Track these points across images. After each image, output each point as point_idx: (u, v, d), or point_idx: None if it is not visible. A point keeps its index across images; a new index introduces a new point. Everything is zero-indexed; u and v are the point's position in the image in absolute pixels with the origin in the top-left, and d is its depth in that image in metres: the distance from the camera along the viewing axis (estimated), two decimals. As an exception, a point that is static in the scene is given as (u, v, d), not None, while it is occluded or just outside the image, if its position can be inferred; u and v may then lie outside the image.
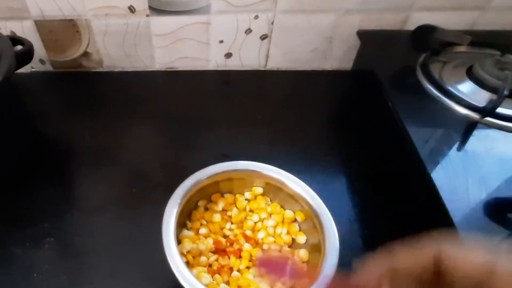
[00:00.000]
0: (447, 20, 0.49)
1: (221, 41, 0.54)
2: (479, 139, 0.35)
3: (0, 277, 0.33)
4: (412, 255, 0.15)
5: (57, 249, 0.35)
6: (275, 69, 0.58)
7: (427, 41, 0.44)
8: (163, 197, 0.32)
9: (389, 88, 0.42)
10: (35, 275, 0.33)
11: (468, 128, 0.36)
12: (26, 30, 0.53)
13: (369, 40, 0.50)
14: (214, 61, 0.57)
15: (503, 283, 0.13)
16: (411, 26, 0.49)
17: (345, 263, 0.28)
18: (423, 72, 0.42)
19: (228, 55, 0.56)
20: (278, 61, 0.57)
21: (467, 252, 0.14)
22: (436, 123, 0.38)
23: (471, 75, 0.40)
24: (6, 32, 0.53)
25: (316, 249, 0.31)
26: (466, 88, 0.39)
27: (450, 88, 0.39)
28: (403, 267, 0.15)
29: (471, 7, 0.49)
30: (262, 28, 0.52)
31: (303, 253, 0.32)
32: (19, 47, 0.43)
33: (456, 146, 0.35)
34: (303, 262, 0.32)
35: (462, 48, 0.45)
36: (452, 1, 0.48)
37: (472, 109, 0.37)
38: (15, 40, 0.44)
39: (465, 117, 0.37)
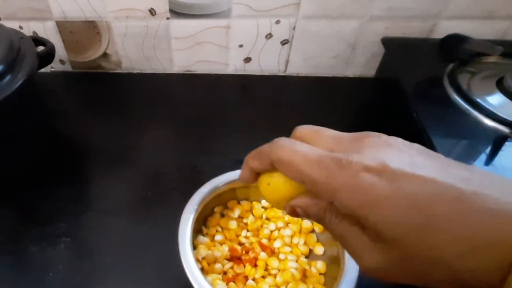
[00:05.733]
0: (477, 29, 0.49)
1: (241, 46, 0.56)
2: (509, 154, 0.35)
3: (17, 275, 0.35)
4: (258, 162, 0.22)
5: (73, 249, 0.36)
6: (295, 74, 0.59)
7: (455, 51, 0.44)
8: (179, 202, 0.33)
9: (414, 98, 0.42)
10: (50, 274, 0.35)
11: (497, 142, 0.36)
12: (47, 30, 0.56)
13: (394, 47, 0.51)
14: (232, 65, 0.59)
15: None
16: (439, 34, 0.50)
17: (364, 279, 0.28)
18: (451, 82, 0.43)
19: (247, 60, 0.58)
20: (298, 67, 0.58)
21: (286, 162, 0.20)
22: (463, 136, 0.38)
23: (501, 87, 0.41)
24: (28, 32, 0.56)
25: (335, 261, 0.31)
26: (495, 101, 0.40)
27: (478, 100, 0.39)
28: (256, 169, 0.23)
29: (502, 16, 0.49)
30: (283, 33, 0.54)
31: (320, 265, 0.32)
32: (41, 48, 0.46)
33: (483, 160, 0.35)
34: (320, 274, 0.32)
35: (492, 59, 0.45)
36: (482, 9, 0.48)
37: (502, 123, 0.37)
38: (37, 41, 0.46)
39: (494, 130, 0.37)
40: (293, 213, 0.22)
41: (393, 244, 0.17)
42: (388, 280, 0.18)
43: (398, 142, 0.18)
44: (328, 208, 0.20)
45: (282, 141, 0.21)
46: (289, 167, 0.20)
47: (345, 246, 0.19)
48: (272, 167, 0.21)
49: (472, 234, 0.15)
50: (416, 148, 0.18)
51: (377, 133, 0.19)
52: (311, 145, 0.20)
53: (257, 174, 0.23)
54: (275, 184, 0.22)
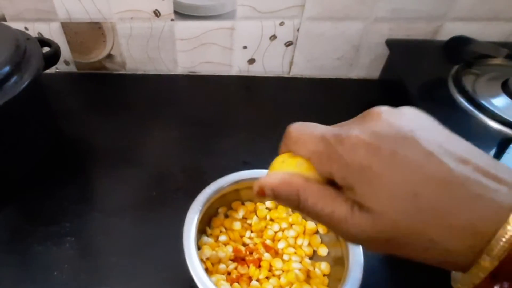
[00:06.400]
0: (482, 30, 0.50)
1: (245, 47, 0.56)
2: (513, 156, 0.35)
3: (22, 274, 0.35)
4: (283, 147, 0.23)
5: (77, 248, 0.37)
6: (299, 76, 0.60)
7: (460, 53, 0.45)
8: (183, 202, 0.34)
9: (419, 100, 0.43)
10: (55, 273, 0.35)
11: (502, 145, 0.37)
12: (53, 31, 0.57)
13: (399, 49, 0.51)
14: (236, 66, 0.59)
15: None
16: (443, 36, 0.50)
17: (368, 279, 0.29)
18: (455, 84, 0.43)
19: (251, 61, 0.58)
20: (302, 68, 0.59)
21: (296, 144, 0.22)
22: (468, 138, 0.38)
23: (506, 89, 0.41)
24: (33, 33, 0.57)
25: (339, 262, 0.32)
26: (500, 103, 0.40)
27: (483, 102, 0.40)
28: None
29: (507, 17, 0.49)
30: (287, 34, 0.54)
31: (324, 266, 0.33)
32: (46, 49, 0.46)
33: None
34: (324, 275, 0.33)
35: (497, 61, 0.45)
36: (488, 11, 0.49)
37: (507, 125, 0.37)
38: (43, 42, 0.47)
39: (499, 132, 0.37)
40: (261, 192, 0.22)
41: (378, 216, 0.18)
42: (372, 246, 0.19)
43: (402, 113, 0.19)
44: (309, 189, 0.20)
45: (294, 124, 0.23)
46: (297, 145, 0.21)
47: (326, 220, 0.20)
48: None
49: (452, 218, 0.16)
50: (419, 122, 0.19)
51: (381, 107, 0.20)
52: (319, 124, 0.22)
53: None
54: (276, 161, 0.23)
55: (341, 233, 0.20)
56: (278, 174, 0.21)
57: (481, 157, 0.17)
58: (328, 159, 0.19)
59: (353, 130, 0.19)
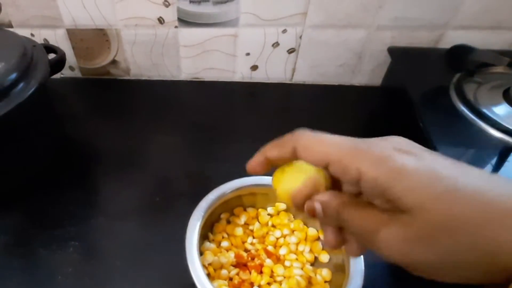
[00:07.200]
0: (484, 39, 0.50)
1: (248, 54, 0.57)
2: (514, 165, 0.36)
3: (27, 277, 0.36)
4: (278, 149, 0.23)
5: (82, 252, 0.38)
6: (301, 82, 0.60)
7: (462, 61, 0.45)
8: (186, 207, 0.34)
9: (421, 107, 0.43)
10: (59, 277, 0.36)
11: (503, 153, 0.37)
12: (58, 38, 0.58)
13: (401, 57, 0.52)
14: (240, 72, 0.60)
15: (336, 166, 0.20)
16: (446, 44, 0.51)
17: (369, 286, 0.29)
18: (457, 92, 0.44)
19: (254, 68, 0.59)
20: (304, 75, 0.59)
21: (312, 146, 0.21)
22: (469, 146, 0.39)
23: (508, 97, 0.41)
24: (39, 39, 0.58)
25: (340, 269, 0.32)
26: (502, 111, 0.40)
27: (485, 110, 0.40)
28: (273, 158, 0.23)
29: (509, 27, 0.50)
30: (289, 42, 0.55)
31: (325, 273, 0.33)
32: (52, 55, 0.47)
33: (489, 171, 0.36)
34: (326, 281, 0.33)
35: (499, 70, 0.46)
36: (490, 20, 0.49)
37: (508, 133, 0.38)
38: (48, 48, 0.48)
39: (500, 141, 0.38)
40: (311, 211, 0.22)
41: (415, 212, 0.17)
42: (413, 261, 0.18)
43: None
44: (347, 202, 0.20)
45: (304, 130, 0.22)
46: (315, 149, 0.21)
47: (364, 235, 0.19)
48: (291, 156, 0.22)
49: (489, 210, 0.16)
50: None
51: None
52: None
53: (268, 166, 0.24)
54: (290, 172, 0.23)
55: (382, 249, 0.19)
56: (326, 193, 0.21)
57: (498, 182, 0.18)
58: (354, 160, 0.19)
59: (381, 140, 0.20)
